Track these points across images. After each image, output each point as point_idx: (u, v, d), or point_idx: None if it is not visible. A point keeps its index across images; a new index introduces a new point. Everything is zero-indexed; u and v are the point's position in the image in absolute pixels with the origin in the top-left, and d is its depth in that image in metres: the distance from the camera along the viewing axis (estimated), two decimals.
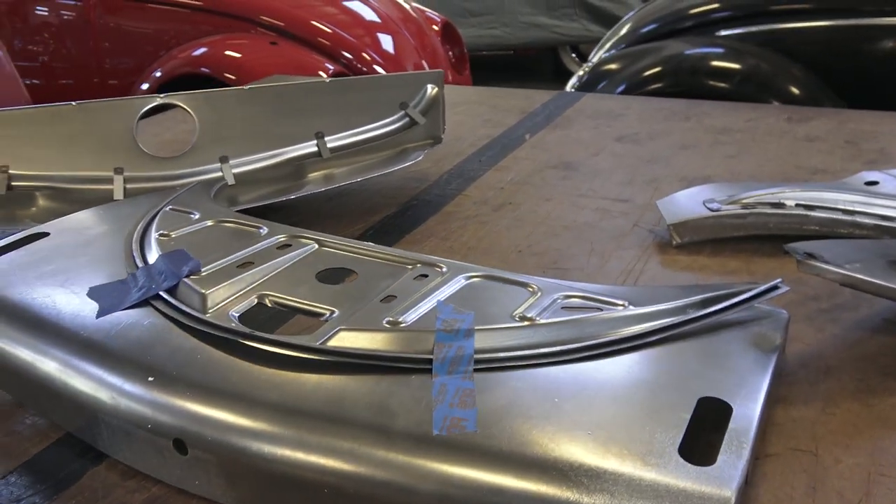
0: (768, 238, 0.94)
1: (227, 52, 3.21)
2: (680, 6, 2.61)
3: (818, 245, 0.71)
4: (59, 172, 1.03)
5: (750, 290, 0.67)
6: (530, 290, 0.70)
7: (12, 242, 0.82)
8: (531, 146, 1.40)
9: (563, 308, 0.67)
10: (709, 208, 0.97)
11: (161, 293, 0.69)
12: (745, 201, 0.97)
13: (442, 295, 0.69)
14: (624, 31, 2.75)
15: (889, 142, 1.33)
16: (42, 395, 0.67)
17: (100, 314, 0.68)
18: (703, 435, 0.54)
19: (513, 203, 1.15)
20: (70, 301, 0.71)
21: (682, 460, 0.51)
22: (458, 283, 0.72)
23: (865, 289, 0.68)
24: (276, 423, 0.57)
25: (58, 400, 0.65)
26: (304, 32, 3.30)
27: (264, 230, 0.83)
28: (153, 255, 0.77)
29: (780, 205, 0.95)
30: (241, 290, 0.71)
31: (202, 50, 3.22)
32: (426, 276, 0.73)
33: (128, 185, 1.04)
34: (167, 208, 0.89)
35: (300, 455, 0.55)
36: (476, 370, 0.59)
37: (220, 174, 1.07)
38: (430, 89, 1.18)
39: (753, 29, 2.38)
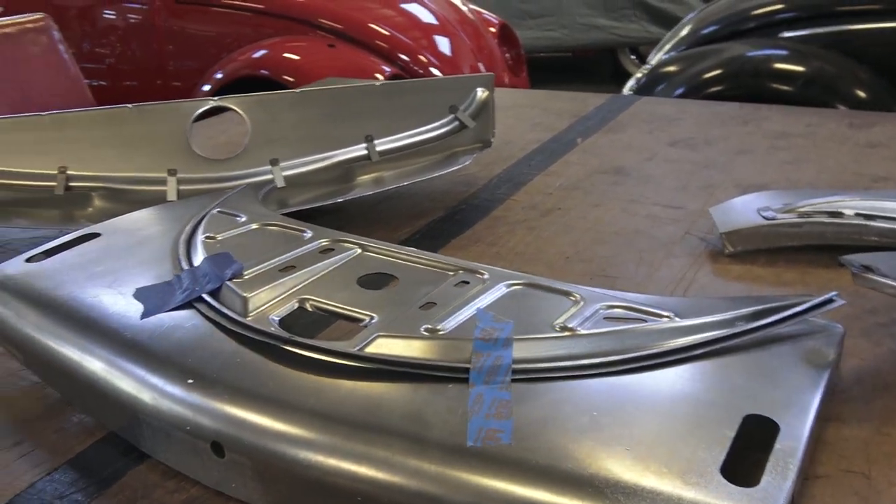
0: (825, 248, 0.90)
1: (286, 55, 3.25)
2: (742, 7, 2.56)
3: (876, 257, 0.68)
4: (114, 174, 1.06)
5: (803, 302, 0.65)
6: (573, 299, 0.69)
7: (65, 243, 0.84)
8: (582, 150, 1.38)
9: (605, 318, 0.66)
10: (763, 216, 0.94)
11: (204, 296, 0.70)
12: (801, 210, 0.94)
13: (482, 303, 0.69)
14: (684, 32, 2.70)
15: None
16: (88, 394, 0.68)
17: (144, 315, 0.69)
18: (747, 454, 0.52)
19: (562, 208, 1.13)
20: (117, 302, 0.72)
21: (723, 480, 0.49)
22: (499, 290, 0.71)
23: None
24: (311, 429, 0.57)
25: (102, 399, 0.66)
26: (362, 35, 3.33)
27: (308, 234, 0.84)
28: (199, 258, 0.78)
29: (838, 214, 0.92)
30: (282, 294, 0.72)
31: (262, 52, 3.27)
32: (467, 282, 0.72)
33: (181, 187, 1.06)
34: (214, 211, 0.90)
35: (334, 462, 0.55)
36: (513, 381, 0.58)
37: (270, 176, 1.08)
38: (481, 93, 1.17)
39: (818, 30, 2.31)
